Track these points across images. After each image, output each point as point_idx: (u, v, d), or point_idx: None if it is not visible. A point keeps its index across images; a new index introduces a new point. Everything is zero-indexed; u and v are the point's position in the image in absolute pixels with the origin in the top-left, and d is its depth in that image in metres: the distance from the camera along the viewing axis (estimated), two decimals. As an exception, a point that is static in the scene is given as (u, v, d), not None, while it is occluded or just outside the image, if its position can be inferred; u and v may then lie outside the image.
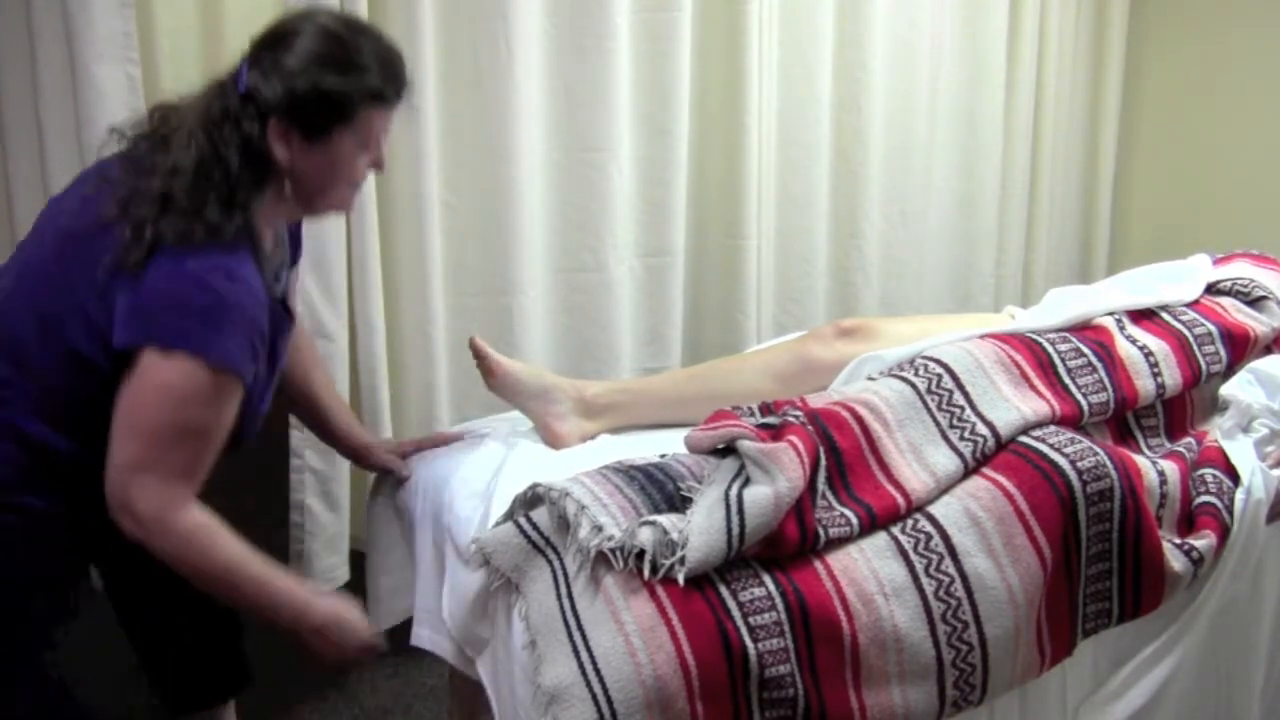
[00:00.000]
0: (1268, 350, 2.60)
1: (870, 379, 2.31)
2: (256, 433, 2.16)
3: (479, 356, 2.45)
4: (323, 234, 2.83)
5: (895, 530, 1.98)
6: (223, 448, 2.03)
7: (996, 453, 2.13)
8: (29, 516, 2.01)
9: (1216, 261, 2.90)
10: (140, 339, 1.91)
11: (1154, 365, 2.38)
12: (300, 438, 2.95)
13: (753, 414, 2.19)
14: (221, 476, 2.06)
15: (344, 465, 3.02)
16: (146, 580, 2.28)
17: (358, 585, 2.61)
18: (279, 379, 2.21)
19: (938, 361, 2.26)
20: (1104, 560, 2.09)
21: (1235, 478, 2.26)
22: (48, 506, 2.02)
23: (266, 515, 3.02)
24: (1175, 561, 2.12)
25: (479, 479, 2.23)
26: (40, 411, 1.99)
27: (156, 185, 1.96)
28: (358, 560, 2.80)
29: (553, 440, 2.43)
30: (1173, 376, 2.39)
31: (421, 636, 2.24)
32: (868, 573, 1.90)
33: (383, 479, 2.50)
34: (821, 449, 2.03)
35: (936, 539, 1.96)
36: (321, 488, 3.00)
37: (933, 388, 2.20)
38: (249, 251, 2.00)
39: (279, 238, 2.21)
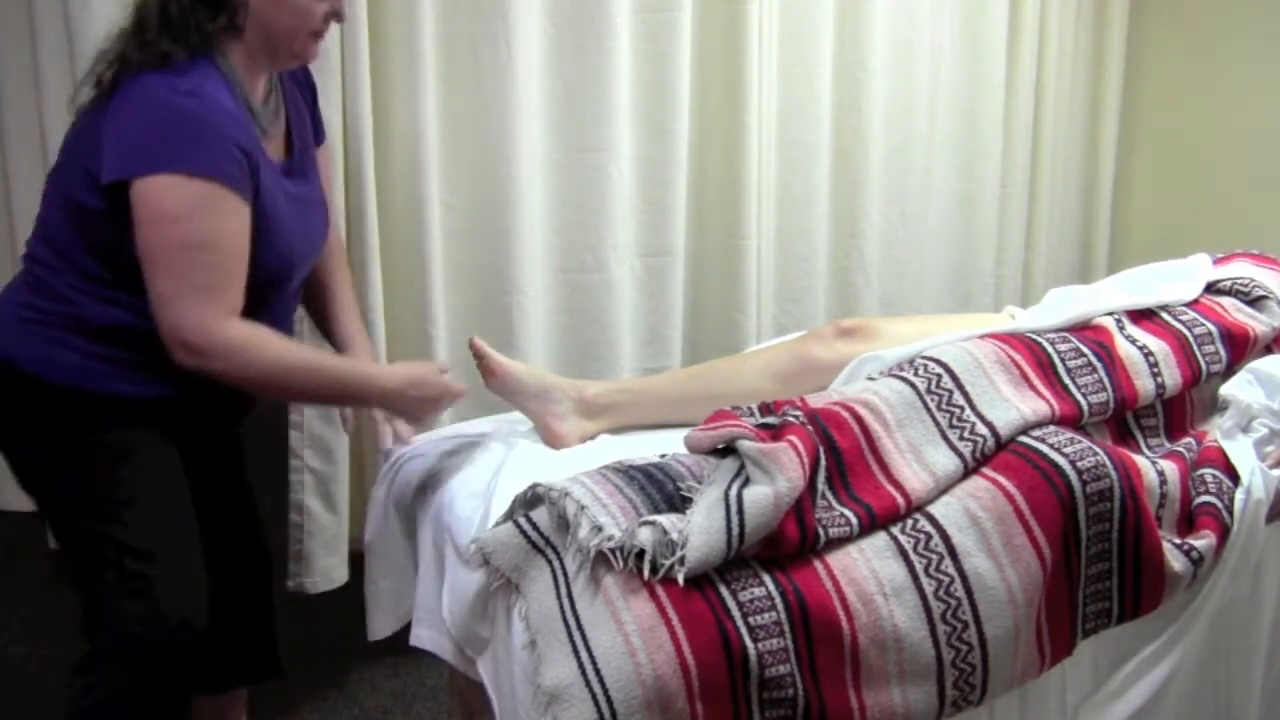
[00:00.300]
0: (1268, 350, 2.60)
1: (870, 379, 2.31)
2: (290, 281, 2.31)
3: (479, 356, 2.45)
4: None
5: (895, 530, 1.98)
6: (266, 280, 2.17)
7: (996, 453, 2.13)
8: (135, 406, 2.18)
9: (1216, 261, 2.90)
10: (121, 173, 2.03)
11: (1154, 365, 2.38)
12: (299, 438, 2.96)
13: (752, 414, 2.19)
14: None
15: (344, 466, 3.02)
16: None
17: (357, 587, 2.61)
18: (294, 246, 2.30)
19: (937, 361, 2.26)
20: (1104, 560, 2.09)
21: (1235, 478, 2.26)
22: (146, 392, 2.17)
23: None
24: (1175, 561, 2.12)
25: (479, 479, 2.23)
26: (92, 294, 2.14)
27: (127, 25, 2.14)
28: (357, 562, 2.80)
29: (552, 440, 2.43)
30: (1172, 376, 2.39)
31: (421, 637, 2.24)
32: (867, 573, 1.90)
33: (384, 476, 2.50)
34: (821, 449, 2.03)
35: (936, 539, 1.96)
36: (321, 488, 3.01)
37: (932, 388, 2.20)
38: (219, 79, 2.12)
39: (274, 98, 2.31)
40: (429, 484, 2.31)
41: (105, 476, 2.18)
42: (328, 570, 3.07)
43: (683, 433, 2.17)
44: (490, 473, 2.25)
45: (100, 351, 2.15)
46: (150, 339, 2.09)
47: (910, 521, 2.00)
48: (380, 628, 2.40)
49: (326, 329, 2.53)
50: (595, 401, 2.48)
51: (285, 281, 2.29)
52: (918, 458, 2.10)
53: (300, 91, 2.44)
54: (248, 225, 2.10)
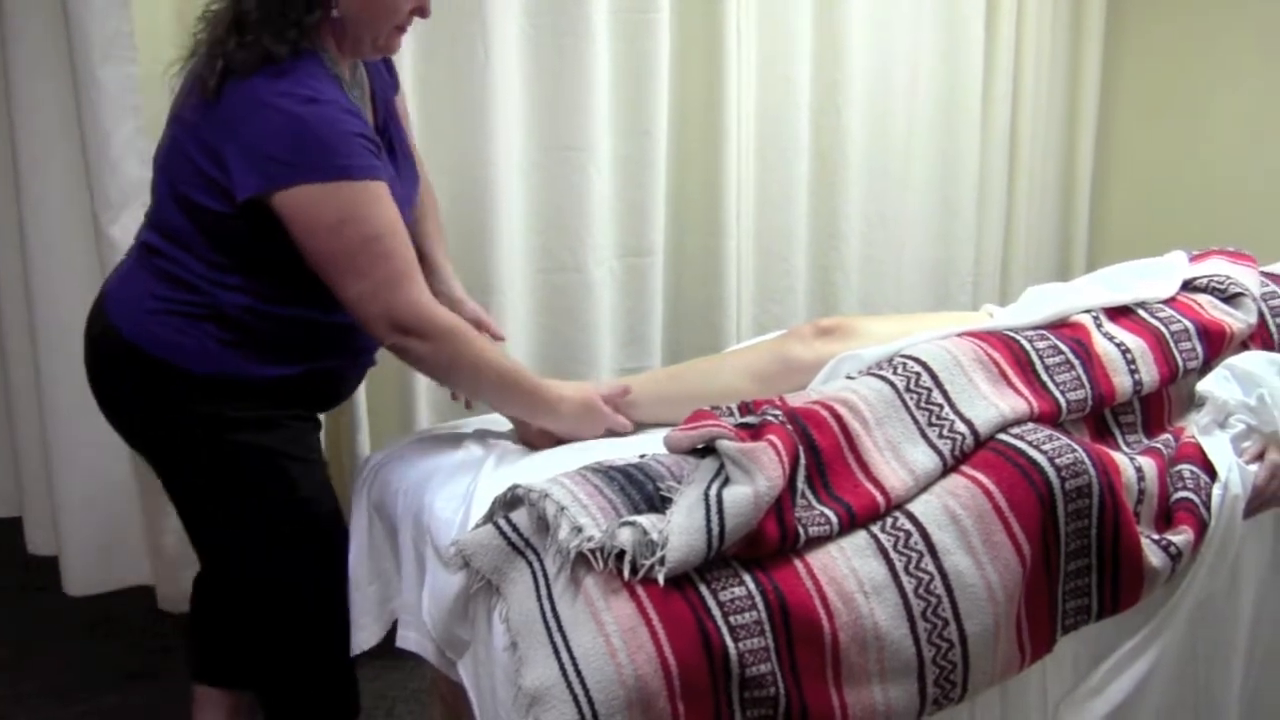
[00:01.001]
0: (1244, 346, 2.61)
1: (849, 378, 2.31)
2: None
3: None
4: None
5: (875, 528, 1.99)
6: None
7: (975, 450, 2.13)
8: (271, 386, 2.29)
9: (1193, 259, 2.90)
10: (258, 190, 2.10)
11: (1131, 362, 2.39)
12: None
13: (732, 414, 2.19)
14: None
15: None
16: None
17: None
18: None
19: (916, 360, 2.26)
20: (1083, 556, 2.10)
21: (1212, 473, 2.27)
22: (272, 373, 2.28)
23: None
24: (1153, 557, 2.12)
25: (458, 481, 2.23)
26: (216, 282, 2.22)
27: (224, 17, 2.18)
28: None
29: (530, 440, 2.43)
30: (1150, 373, 2.40)
31: (408, 638, 2.23)
32: (847, 571, 1.91)
33: (364, 480, 2.48)
34: (801, 448, 2.03)
35: (916, 537, 1.97)
36: None
37: (911, 386, 2.21)
38: (326, 75, 2.19)
39: (359, 73, 2.39)
40: (409, 486, 2.31)
41: (237, 451, 2.30)
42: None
43: (662, 433, 2.18)
44: (470, 474, 2.25)
45: (228, 337, 2.23)
46: (274, 321, 2.24)
47: (890, 520, 2.00)
48: (365, 638, 2.37)
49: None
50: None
51: None
52: (897, 456, 2.10)
53: (377, 67, 2.50)
54: (394, 203, 2.20)
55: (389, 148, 2.39)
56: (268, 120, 2.10)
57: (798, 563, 1.90)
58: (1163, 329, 2.49)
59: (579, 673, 1.74)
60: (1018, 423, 2.18)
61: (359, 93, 2.37)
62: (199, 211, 2.18)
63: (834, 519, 1.96)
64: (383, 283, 2.16)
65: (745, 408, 2.22)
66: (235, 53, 2.13)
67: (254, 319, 2.23)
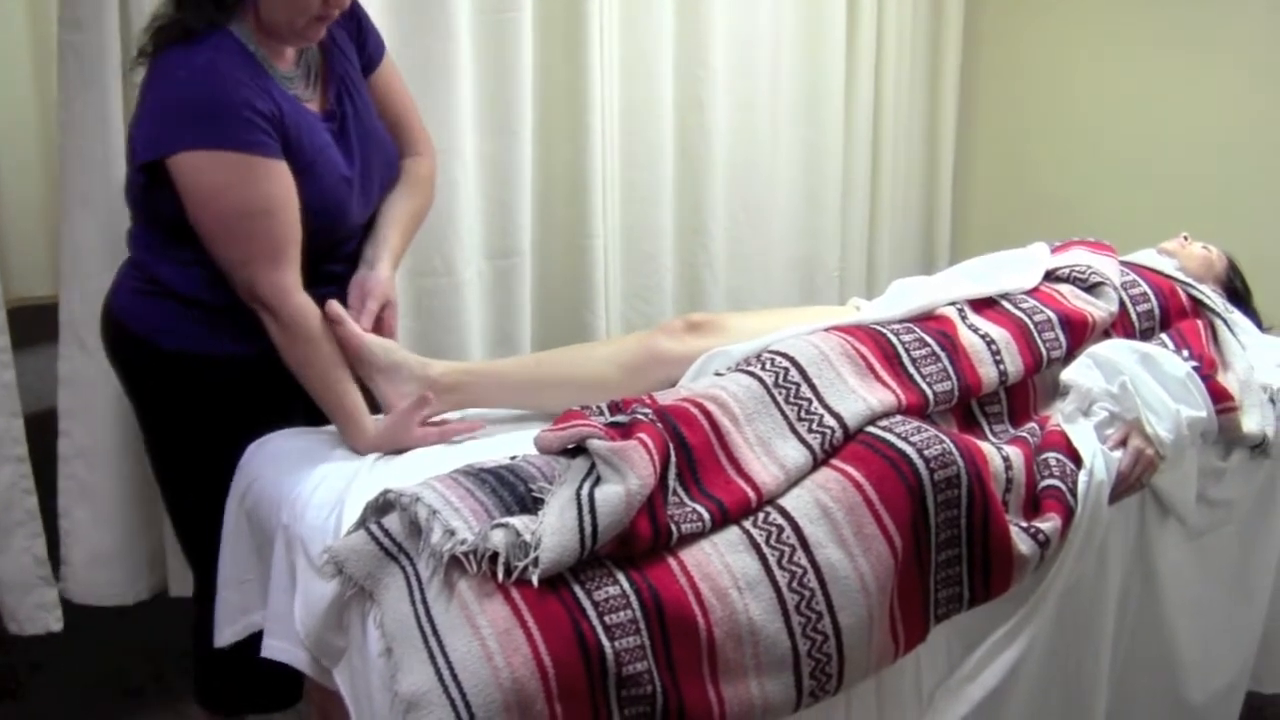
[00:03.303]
0: (1106, 335, 2.65)
1: (718, 374, 2.32)
2: (350, 221, 2.47)
3: (335, 322, 2.39)
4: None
5: (747, 524, 1.99)
6: (326, 223, 2.37)
7: (845, 443, 2.15)
8: (224, 366, 2.40)
9: (1054, 249, 2.95)
10: (151, 153, 2.22)
11: (996, 353, 2.42)
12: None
13: (602, 413, 2.19)
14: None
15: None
16: None
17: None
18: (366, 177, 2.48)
19: (784, 355, 2.27)
20: (953, 546, 2.12)
21: (1078, 461, 2.31)
22: (234, 351, 2.38)
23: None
24: (1022, 545, 2.15)
25: (330, 487, 2.20)
26: (159, 256, 2.38)
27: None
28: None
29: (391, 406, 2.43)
30: (1014, 363, 2.43)
31: (273, 647, 2.20)
32: (721, 567, 1.91)
33: (235, 485, 2.45)
34: (671, 446, 2.03)
35: (788, 531, 1.98)
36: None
37: (780, 381, 2.22)
38: (235, 48, 2.26)
39: (306, 57, 2.45)
40: (280, 494, 2.28)
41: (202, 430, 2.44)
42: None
43: (531, 433, 2.17)
44: (342, 480, 2.22)
45: (179, 311, 2.36)
46: (225, 298, 2.33)
47: (762, 515, 2.01)
48: (221, 637, 2.37)
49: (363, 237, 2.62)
50: (440, 381, 2.44)
51: (346, 223, 2.46)
52: (767, 451, 2.11)
53: (346, 29, 2.53)
54: (288, 185, 2.26)
55: (341, 129, 2.44)
56: (165, 87, 2.21)
57: (671, 560, 1.90)
58: (1026, 319, 2.53)
59: (455, 677, 1.72)
60: (886, 415, 2.20)
61: (300, 73, 2.42)
62: (131, 184, 2.35)
63: (706, 515, 1.96)
64: (252, 257, 2.25)
65: (615, 406, 2.22)
66: (161, 27, 2.25)
67: (199, 295, 2.35)
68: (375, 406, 2.45)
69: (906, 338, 2.38)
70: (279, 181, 2.24)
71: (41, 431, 2.85)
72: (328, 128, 2.41)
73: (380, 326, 2.49)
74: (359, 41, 2.57)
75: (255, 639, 2.30)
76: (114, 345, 2.52)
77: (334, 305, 2.38)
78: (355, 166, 2.43)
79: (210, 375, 2.40)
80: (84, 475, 2.93)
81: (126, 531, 3.01)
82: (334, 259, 2.47)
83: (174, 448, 2.52)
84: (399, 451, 2.37)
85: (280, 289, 2.27)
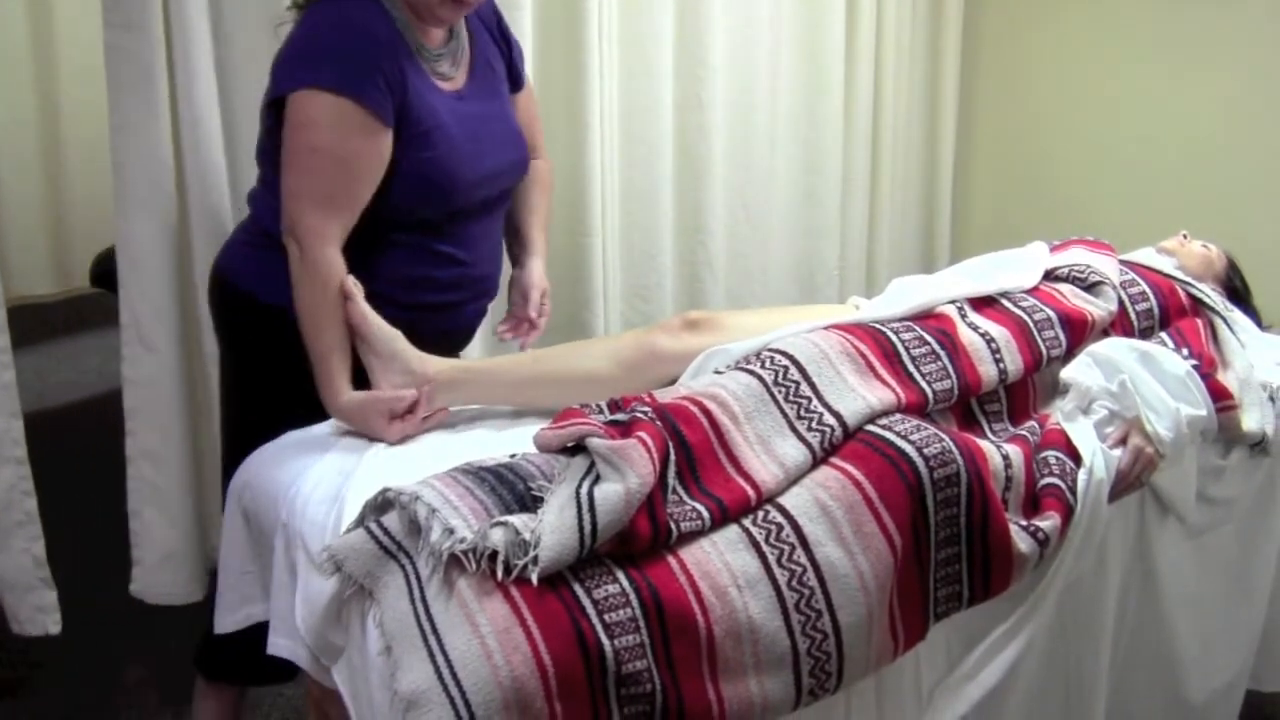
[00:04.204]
0: (1105, 334, 2.65)
1: (717, 372, 2.32)
2: (465, 199, 2.52)
3: (347, 297, 2.40)
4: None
5: (746, 522, 1.99)
6: (437, 194, 2.45)
7: (844, 442, 2.14)
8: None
9: (1053, 248, 2.95)
10: (276, 92, 2.35)
11: (996, 351, 2.42)
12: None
13: (601, 411, 2.19)
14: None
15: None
16: None
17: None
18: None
19: (783, 353, 2.27)
20: (953, 544, 2.12)
21: (1077, 459, 2.31)
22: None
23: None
24: (1022, 543, 2.15)
25: (329, 484, 2.20)
26: (273, 205, 2.42)
27: None
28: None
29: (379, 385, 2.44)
30: (1014, 361, 2.43)
31: (278, 645, 2.21)
32: (720, 565, 1.91)
33: (235, 481, 2.46)
34: (670, 444, 2.03)
35: (788, 529, 1.98)
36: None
37: (779, 379, 2.22)
38: (378, 10, 2.38)
39: (455, 43, 2.56)
40: (280, 492, 2.28)
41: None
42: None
43: (530, 431, 2.17)
44: (341, 477, 2.22)
45: (286, 264, 2.39)
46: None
47: (761, 513, 2.01)
48: (221, 624, 2.38)
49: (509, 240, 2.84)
50: (436, 378, 2.44)
51: (455, 198, 2.49)
52: (767, 449, 2.11)
53: (498, 45, 2.70)
54: (378, 149, 2.35)
55: (470, 111, 2.53)
56: (310, 30, 2.36)
57: (671, 559, 1.90)
58: (1026, 318, 2.53)
59: (455, 675, 1.72)
60: (885, 414, 2.20)
61: (447, 54, 2.52)
62: (264, 132, 2.48)
63: (706, 514, 1.96)
64: (309, 193, 2.32)
65: (614, 405, 2.22)
66: None
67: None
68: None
69: (906, 336, 2.38)
70: (370, 142, 2.33)
71: (41, 432, 2.84)
72: (457, 106, 2.50)
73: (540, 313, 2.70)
74: (508, 61, 2.74)
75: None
76: (216, 300, 2.63)
77: (347, 281, 2.39)
78: (476, 151, 2.51)
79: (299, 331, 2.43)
80: (151, 475, 2.96)
81: (190, 530, 3.05)
82: (434, 234, 2.53)
83: (255, 405, 2.60)
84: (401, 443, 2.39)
85: (319, 233, 2.32)
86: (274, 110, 2.37)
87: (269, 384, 2.57)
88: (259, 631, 2.37)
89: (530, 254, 2.82)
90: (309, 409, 2.41)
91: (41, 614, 2.86)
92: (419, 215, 2.46)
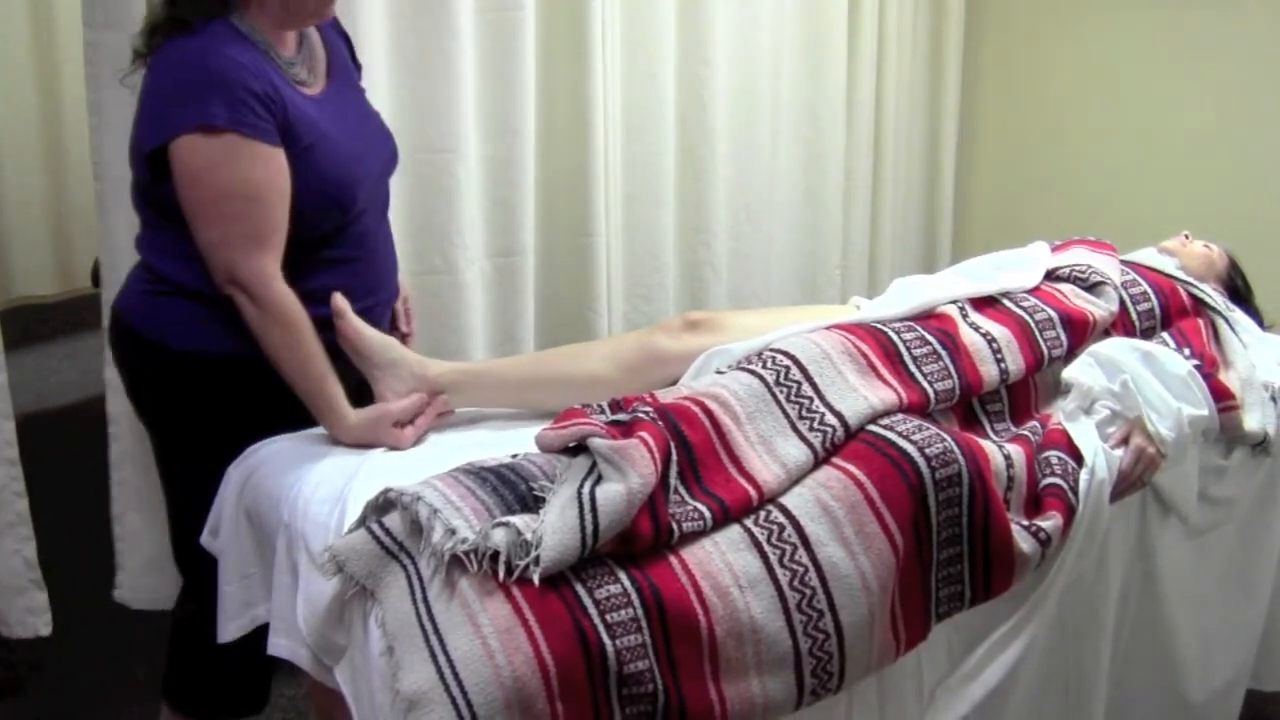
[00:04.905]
0: (1106, 334, 2.65)
1: (719, 372, 2.32)
2: (359, 202, 2.45)
3: (337, 315, 2.40)
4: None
5: (748, 522, 1.99)
6: (335, 204, 2.39)
7: (846, 442, 2.14)
8: (232, 366, 2.36)
9: (1055, 249, 2.95)
10: (154, 141, 2.23)
11: (997, 351, 2.42)
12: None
13: (603, 411, 2.19)
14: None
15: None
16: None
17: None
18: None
19: (785, 353, 2.27)
20: (955, 544, 2.12)
21: (1079, 459, 2.31)
22: (243, 351, 2.33)
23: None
24: (1024, 543, 2.15)
25: (331, 484, 2.20)
26: (169, 253, 2.36)
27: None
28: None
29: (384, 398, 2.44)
30: (1016, 362, 2.43)
31: (279, 645, 2.21)
32: (722, 565, 1.91)
33: (235, 481, 2.46)
34: (672, 444, 2.03)
35: (789, 529, 1.98)
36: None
37: (781, 379, 2.22)
38: (233, 35, 2.27)
39: (306, 48, 2.47)
40: (281, 492, 2.28)
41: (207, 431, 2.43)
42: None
43: (532, 431, 2.17)
44: (343, 478, 2.22)
45: (190, 310, 2.35)
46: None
47: (763, 513, 2.01)
48: (225, 631, 2.37)
49: None
50: (438, 381, 2.45)
51: (356, 200, 2.44)
52: (768, 449, 2.11)
53: (343, 39, 2.63)
54: (279, 173, 2.27)
55: (342, 113, 2.48)
56: (162, 73, 2.25)
57: (672, 558, 1.90)
58: (1027, 318, 2.53)
59: (456, 675, 1.72)
60: (887, 414, 2.20)
61: (302, 59, 2.44)
62: (138, 183, 2.36)
63: (707, 514, 1.96)
64: (234, 239, 2.24)
65: (616, 405, 2.22)
66: (156, 25, 2.29)
67: (202, 290, 2.33)
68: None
69: (908, 336, 2.38)
70: (269, 167, 2.25)
71: (35, 433, 2.84)
72: (329, 111, 2.43)
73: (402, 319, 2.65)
74: (352, 56, 2.64)
75: (231, 644, 2.35)
76: (122, 350, 2.53)
77: (338, 298, 2.39)
78: (358, 149, 2.46)
79: (218, 376, 2.38)
80: (134, 480, 2.95)
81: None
82: (338, 244, 2.46)
83: (182, 449, 2.51)
84: (394, 448, 2.38)
85: (262, 274, 2.26)
86: (151, 160, 2.26)
87: (190, 427, 2.48)
88: (231, 661, 2.38)
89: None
90: (234, 444, 2.39)
91: (31, 616, 2.86)
92: (322, 229, 2.40)
